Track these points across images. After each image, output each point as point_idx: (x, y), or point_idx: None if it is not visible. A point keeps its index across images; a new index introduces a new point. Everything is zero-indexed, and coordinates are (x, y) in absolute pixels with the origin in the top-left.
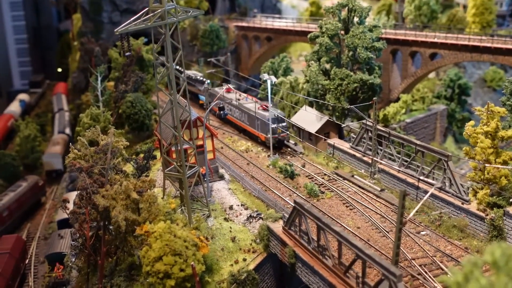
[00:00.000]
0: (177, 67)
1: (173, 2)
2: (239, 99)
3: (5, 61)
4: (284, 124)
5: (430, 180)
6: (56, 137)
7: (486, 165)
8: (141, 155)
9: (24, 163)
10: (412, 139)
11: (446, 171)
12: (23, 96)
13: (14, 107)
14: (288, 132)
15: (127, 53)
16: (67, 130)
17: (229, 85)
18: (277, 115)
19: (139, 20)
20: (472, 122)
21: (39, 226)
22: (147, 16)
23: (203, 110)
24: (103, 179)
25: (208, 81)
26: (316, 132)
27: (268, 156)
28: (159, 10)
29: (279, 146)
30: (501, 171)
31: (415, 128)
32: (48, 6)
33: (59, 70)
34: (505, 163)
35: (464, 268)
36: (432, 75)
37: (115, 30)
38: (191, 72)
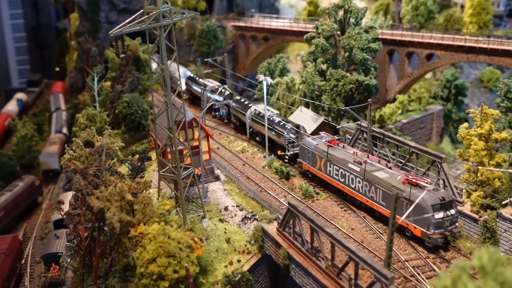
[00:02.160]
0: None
1: (168, 4)
2: (359, 163)
3: (4, 59)
4: (452, 211)
5: (423, 183)
6: (53, 136)
7: (479, 167)
8: (137, 156)
9: (21, 162)
10: (406, 140)
11: (440, 172)
12: (20, 95)
13: (12, 106)
14: (457, 224)
15: (122, 55)
16: (64, 130)
17: (327, 134)
18: (443, 198)
19: (133, 22)
20: (466, 124)
21: (35, 226)
22: (142, 18)
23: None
24: (98, 181)
25: (289, 125)
26: (311, 133)
27: (264, 156)
28: (153, 12)
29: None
30: (495, 173)
31: (411, 128)
32: (47, 5)
33: (57, 69)
34: (498, 165)
35: (452, 273)
36: (429, 75)
37: (110, 32)
38: (260, 108)
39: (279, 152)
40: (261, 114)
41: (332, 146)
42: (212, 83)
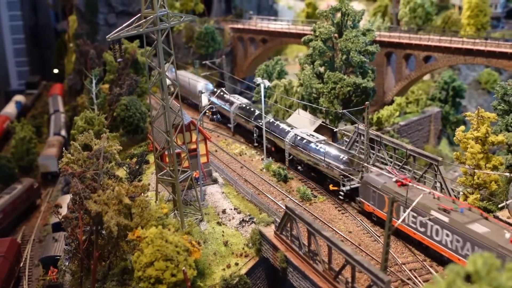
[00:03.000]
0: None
1: (165, 8)
2: (446, 211)
3: (2, 61)
4: None
5: (420, 187)
6: (52, 139)
7: (476, 170)
8: (134, 160)
9: (19, 165)
10: (403, 143)
11: (437, 175)
12: (19, 98)
13: (10, 109)
14: None
15: (119, 59)
16: (63, 132)
17: (395, 171)
18: None
19: (131, 26)
20: (462, 127)
21: (34, 229)
22: (140, 22)
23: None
24: (95, 184)
25: (344, 155)
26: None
27: (262, 159)
28: (151, 16)
29: None
30: (491, 176)
31: (409, 130)
32: (46, 6)
33: (56, 71)
34: (495, 168)
35: (447, 277)
36: (427, 77)
37: (107, 36)
38: (302, 132)
39: (331, 187)
40: (304, 141)
41: (404, 185)
42: (239, 100)
